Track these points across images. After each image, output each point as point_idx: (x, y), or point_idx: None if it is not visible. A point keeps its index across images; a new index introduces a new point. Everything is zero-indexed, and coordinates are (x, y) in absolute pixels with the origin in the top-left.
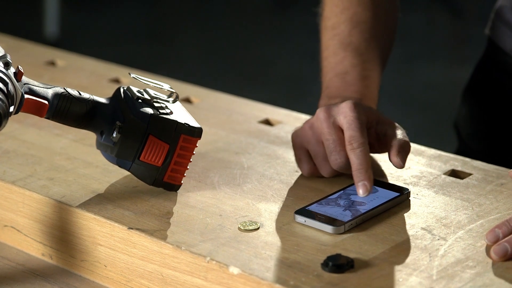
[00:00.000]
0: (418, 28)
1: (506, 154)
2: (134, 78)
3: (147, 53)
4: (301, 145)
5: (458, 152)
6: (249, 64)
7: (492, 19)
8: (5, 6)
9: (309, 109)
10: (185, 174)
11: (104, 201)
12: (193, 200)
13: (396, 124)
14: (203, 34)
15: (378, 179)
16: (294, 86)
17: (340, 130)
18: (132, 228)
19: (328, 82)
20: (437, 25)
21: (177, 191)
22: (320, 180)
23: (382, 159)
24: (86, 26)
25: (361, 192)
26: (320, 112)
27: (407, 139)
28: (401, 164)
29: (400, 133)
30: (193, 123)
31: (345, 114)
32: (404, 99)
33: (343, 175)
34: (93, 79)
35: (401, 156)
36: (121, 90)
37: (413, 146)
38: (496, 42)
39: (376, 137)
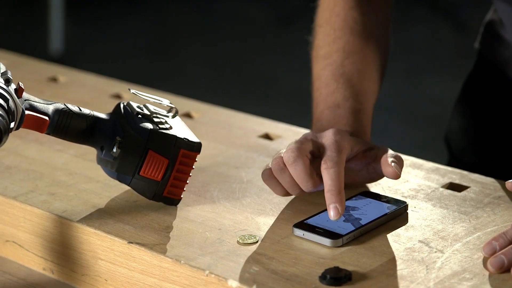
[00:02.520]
0: (421, 42)
1: (497, 167)
2: (134, 93)
3: (149, 68)
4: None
5: (449, 165)
6: (250, 79)
7: (482, 33)
8: (11, 23)
9: (310, 125)
10: (184, 189)
11: (104, 216)
12: (192, 214)
13: (388, 148)
14: (205, 50)
15: (376, 192)
16: (295, 101)
17: (314, 151)
18: (132, 242)
19: (319, 114)
20: (440, 39)
21: (177, 206)
22: (318, 194)
23: None
24: (90, 42)
25: (332, 215)
26: (304, 135)
27: (398, 156)
28: (396, 172)
29: (390, 152)
30: (193, 138)
31: (327, 138)
32: (406, 113)
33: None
34: (94, 95)
35: (395, 165)
36: (121, 105)
37: (411, 159)
38: (486, 56)
39: (365, 163)
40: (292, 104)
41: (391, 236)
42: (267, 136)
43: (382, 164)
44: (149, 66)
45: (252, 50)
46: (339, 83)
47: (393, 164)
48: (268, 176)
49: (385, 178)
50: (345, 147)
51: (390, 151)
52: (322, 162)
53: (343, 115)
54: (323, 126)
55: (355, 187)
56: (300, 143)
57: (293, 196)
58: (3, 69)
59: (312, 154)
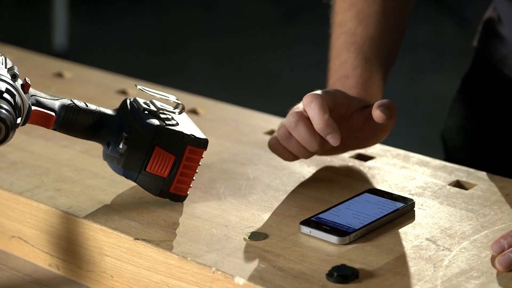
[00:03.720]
0: (425, 39)
1: (493, 166)
2: (141, 89)
3: (154, 64)
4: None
5: None
6: (255, 75)
7: (480, 31)
8: (15, 18)
9: None
10: (191, 185)
11: (110, 212)
12: (199, 211)
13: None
14: (210, 46)
15: (383, 189)
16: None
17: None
18: (138, 239)
19: (331, 86)
20: (444, 36)
21: (183, 202)
22: (325, 191)
23: (387, 169)
24: (94, 38)
25: (332, 142)
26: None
27: (392, 102)
28: (382, 116)
29: (383, 100)
30: (199, 134)
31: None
32: (409, 110)
33: (347, 187)
34: (100, 91)
35: (382, 109)
36: (128, 101)
37: (418, 156)
38: (483, 54)
39: (365, 118)
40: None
41: (398, 234)
42: (273, 133)
43: (372, 110)
44: (153, 62)
45: (256, 46)
46: (350, 52)
47: (379, 108)
48: (275, 144)
49: (392, 175)
50: (333, 92)
51: (383, 100)
52: (303, 100)
53: (351, 85)
54: None
55: (365, 180)
56: (298, 106)
57: (299, 193)
58: (9, 64)
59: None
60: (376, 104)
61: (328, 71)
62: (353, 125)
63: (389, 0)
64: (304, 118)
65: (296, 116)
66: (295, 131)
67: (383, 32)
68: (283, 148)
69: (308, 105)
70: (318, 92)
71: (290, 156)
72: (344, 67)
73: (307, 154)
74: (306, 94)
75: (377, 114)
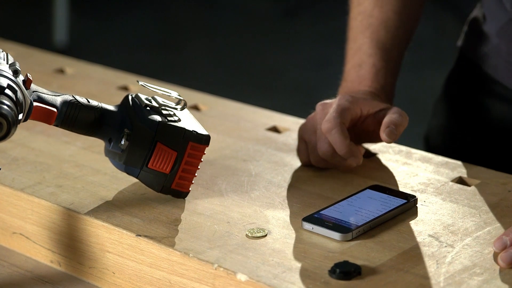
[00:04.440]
0: (427, 35)
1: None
2: (142, 85)
3: (155, 60)
4: (301, 137)
5: None
6: (257, 72)
7: (465, 31)
8: (15, 14)
9: None
10: (193, 181)
11: (112, 208)
12: (201, 207)
13: (399, 108)
14: (211, 42)
15: (385, 186)
16: (302, 94)
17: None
18: (140, 235)
19: (346, 74)
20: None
21: (185, 198)
22: (327, 188)
23: (390, 166)
24: (95, 34)
25: (354, 164)
26: (318, 106)
27: (403, 115)
28: (387, 139)
29: (395, 111)
30: (201, 130)
31: (332, 103)
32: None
33: (350, 183)
34: (101, 87)
35: (388, 131)
36: (129, 97)
37: (420, 153)
38: (466, 53)
39: (377, 123)
40: (298, 97)
41: (401, 230)
42: (275, 129)
43: (380, 131)
44: (154, 58)
45: (258, 42)
46: (365, 37)
47: (386, 131)
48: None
49: (395, 172)
50: (348, 107)
51: (393, 114)
52: (323, 123)
53: (364, 75)
54: (348, 86)
55: (367, 177)
56: (305, 125)
57: (301, 189)
58: (11, 60)
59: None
60: (383, 126)
61: (345, 52)
62: (366, 128)
63: None
64: (323, 136)
65: (311, 124)
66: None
67: (399, 12)
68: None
69: (329, 132)
70: (334, 113)
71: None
72: (358, 54)
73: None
74: (308, 91)
75: (383, 137)
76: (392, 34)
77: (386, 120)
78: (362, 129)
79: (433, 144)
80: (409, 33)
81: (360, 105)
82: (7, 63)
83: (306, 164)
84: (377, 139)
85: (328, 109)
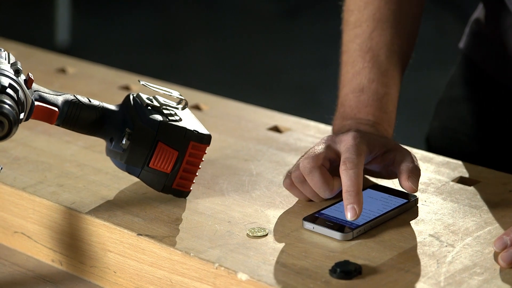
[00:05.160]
0: (428, 36)
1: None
2: (144, 85)
3: (157, 60)
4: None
5: None
6: (258, 71)
7: (467, 32)
8: (17, 13)
9: (318, 117)
10: (194, 181)
11: (113, 208)
12: (202, 207)
13: (406, 150)
14: (213, 42)
15: (386, 186)
16: (303, 94)
17: (331, 157)
18: (141, 235)
19: (344, 98)
20: (447, 33)
21: (186, 198)
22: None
23: None
24: (97, 34)
25: (349, 216)
26: (323, 139)
27: (416, 163)
28: (413, 188)
29: (409, 159)
30: (202, 130)
31: (345, 142)
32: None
33: None
34: (103, 86)
35: (412, 180)
36: (131, 97)
37: (421, 153)
38: (468, 55)
39: (384, 165)
40: (299, 97)
41: (401, 230)
42: (276, 129)
43: (399, 178)
44: (155, 58)
45: (259, 42)
46: (365, 61)
47: (409, 179)
48: (290, 185)
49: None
50: (364, 150)
51: (407, 162)
52: (341, 163)
53: (366, 102)
54: (346, 112)
55: (368, 176)
56: (315, 151)
57: None
58: (12, 59)
59: (330, 160)
60: (404, 175)
61: (340, 76)
62: (371, 170)
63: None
64: (320, 165)
65: (312, 162)
66: (309, 177)
67: (399, 35)
68: (299, 190)
69: (347, 172)
70: (355, 156)
71: (305, 197)
72: (358, 78)
73: (321, 199)
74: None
75: (407, 185)
76: (392, 58)
77: (404, 169)
78: (367, 171)
79: (434, 145)
80: (407, 54)
81: (370, 148)
82: (9, 63)
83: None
84: (382, 177)
85: (336, 143)
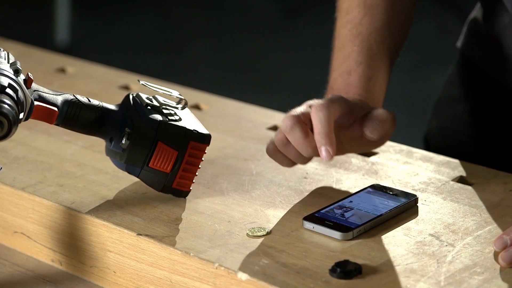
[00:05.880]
0: (428, 35)
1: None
2: (143, 85)
3: (157, 60)
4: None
5: None
6: (258, 71)
7: (465, 32)
8: (17, 13)
9: None
10: (194, 181)
11: (113, 208)
12: (202, 207)
13: (380, 110)
14: (213, 42)
15: (386, 185)
16: (303, 93)
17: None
18: (141, 234)
19: (333, 82)
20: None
21: (186, 198)
22: (328, 187)
23: (390, 165)
24: (97, 33)
25: (323, 156)
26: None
27: (389, 112)
28: (369, 135)
29: (378, 112)
30: (202, 129)
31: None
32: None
33: (348, 181)
34: (103, 86)
35: (371, 127)
36: (130, 97)
37: (421, 152)
38: (467, 54)
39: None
40: (299, 96)
41: (401, 230)
42: (276, 128)
43: (364, 123)
44: (155, 58)
45: (259, 42)
46: (355, 45)
47: (371, 124)
48: (274, 151)
49: (395, 171)
50: (338, 98)
51: (379, 110)
52: (312, 109)
53: (353, 83)
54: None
55: (368, 176)
56: (296, 111)
57: (302, 189)
58: (12, 59)
59: (310, 119)
60: (367, 119)
61: (331, 61)
62: (352, 134)
63: None
64: (300, 121)
65: (292, 119)
66: (290, 135)
67: (389, 22)
68: (281, 154)
69: (316, 113)
70: (325, 101)
71: (288, 162)
72: (347, 62)
73: (304, 160)
74: (309, 91)
75: (366, 133)
76: (382, 43)
77: (370, 115)
78: (348, 136)
79: (433, 145)
80: (398, 43)
81: (349, 107)
82: (8, 62)
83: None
84: (365, 146)
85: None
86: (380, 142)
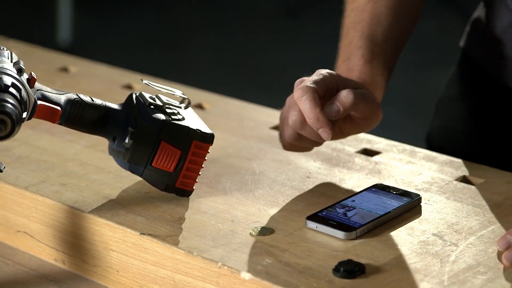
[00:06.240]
0: (430, 35)
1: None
2: (146, 84)
3: (159, 59)
4: (280, 119)
5: None
6: (260, 70)
7: (468, 31)
8: (19, 12)
9: None
10: (197, 180)
11: (116, 207)
12: (205, 206)
13: (360, 90)
14: (215, 41)
15: (389, 185)
16: None
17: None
18: (144, 234)
19: (337, 68)
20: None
21: (189, 197)
22: (331, 186)
23: (393, 165)
24: (99, 33)
25: (324, 136)
26: (296, 83)
27: (355, 93)
28: (329, 116)
29: (345, 92)
30: (205, 129)
31: (310, 78)
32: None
33: (351, 180)
34: (105, 85)
35: (329, 108)
36: (133, 96)
37: (425, 152)
38: (469, 54)
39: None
40: None
41: (405, 229)
42: (278, 128)
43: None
44: (158, 57)
45: (261, 41)
46: (356, 31)
47: (330, 105)
48: (293, 136)
49: (399, 170)
50: (324, 78)
51: (345, 92)
52: (295, 90)
53: (353, 67)
54: None
55: (371, 175)
56: (307, 80)
57: (305, 188)
58: (15, 58)
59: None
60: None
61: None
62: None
63: None
64: (295, 105)
65: (288, 103)
66: (301, 101)
67: (394, 9)
68: (299, 138)
69: (299, 98)
70: (309, 82)
71: (308, 144)
72: (349, 48)
73: (322, 138)
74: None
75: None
76: (384, 28)
77: (337, 95)
78: (342, 119)
79: (435, 144)
80: (405, 30)
81: (337, 79)
82: (11, 62)
83: (287, 147)
84: (360, 124)
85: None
86: (371, 121)
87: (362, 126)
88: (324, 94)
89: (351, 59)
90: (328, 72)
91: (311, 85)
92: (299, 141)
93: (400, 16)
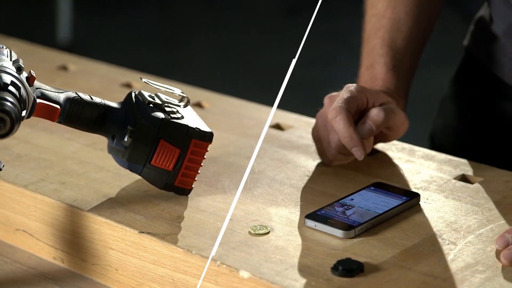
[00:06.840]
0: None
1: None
2: (146, 82)
3: (159, 57)
4: (315, 137)
5: None
6: (260, 69)
7: (472, 30)
8: (18, 11)
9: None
10: (196, 179)
11: (115, 205)
12: (204, 204)
13: (389, 107)
14: (215, 40)
15: (388, 183)
16: (305, 91)
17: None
18: (143, 232)
19: (361, 76)
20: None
21: (188, 195)
22: (330, 185)
23: (393, 163)
24: (98, 31)
25: (358, 155)
26: (325, 99)
27: (383, 112)
28: (361, 134)
29: (384, 108)
30: (204, 127)
31: (341, 95)
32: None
33: (353, 180)
34: (104, 84)
35: (364, 127)
36: (133, 94)
37: (423, 150)
38: (473, 53)
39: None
40: (301, 95)
41: (403, 228)
42: (278, 126)
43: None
44: (157, 55)
45: (261, 40)
46: (377, 38)
47: (363, 125)
48: (338, 158)
49: (398, 169)
50: (355, 95)
51: (378, 110)
52: (329, 111)
53: (377, 75)
54: None
55: (370, 174)
56: (338, 99)
57: (304, 187)
58: (14, 57)
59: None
60: (365, 117)
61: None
62: None
63: None
64: (332, 126)
65: (319, 121)
66: (334, 122)
67: (412, 14)
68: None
69: (334, 119)
70: (341, 102)
71: (351, 154)
72: (371, 55)
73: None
74: (310, 89)
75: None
76: (404, 34)
77: (368, 114)
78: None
79: (438, 143)
80: (424, 34)
81: (367, 94)
82: (11, 60)
83: (329, 164)
84: (386, 136)
85: (335, 100)
86: (398, 131)
87: (390, 137)
88: (355, 111)
89: (374, 67)
90: (356, 89)
91: (344, 105)
92: (345, 158)
93: (420, 19)
